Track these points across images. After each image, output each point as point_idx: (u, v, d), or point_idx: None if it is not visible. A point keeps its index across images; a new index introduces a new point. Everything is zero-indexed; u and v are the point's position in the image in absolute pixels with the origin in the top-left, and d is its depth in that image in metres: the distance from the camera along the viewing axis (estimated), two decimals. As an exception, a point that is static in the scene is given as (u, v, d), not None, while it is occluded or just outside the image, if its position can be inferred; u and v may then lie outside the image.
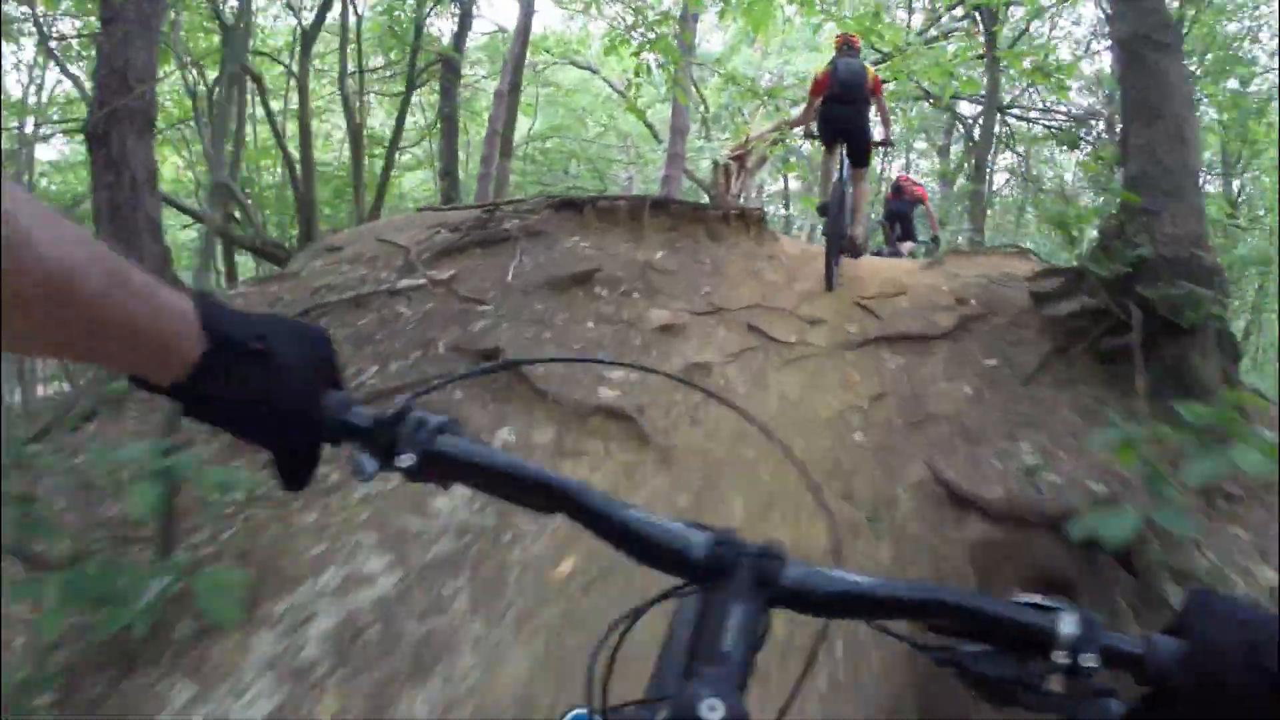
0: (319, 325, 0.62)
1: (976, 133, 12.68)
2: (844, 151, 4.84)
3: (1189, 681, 0.45)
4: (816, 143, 5.18)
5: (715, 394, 0.82)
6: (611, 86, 13.43)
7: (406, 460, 0.51)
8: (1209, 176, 13.04)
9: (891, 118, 5.65)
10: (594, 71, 12.70)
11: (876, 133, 5.21)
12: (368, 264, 4.95)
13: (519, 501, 0.54)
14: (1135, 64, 3.43)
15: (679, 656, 0.53)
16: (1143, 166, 3.24)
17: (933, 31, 11.34)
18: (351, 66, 9.52)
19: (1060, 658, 0.47)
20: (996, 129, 11.88)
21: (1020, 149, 14.13)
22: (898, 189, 8.87)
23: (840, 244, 4.69)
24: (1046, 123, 13.32)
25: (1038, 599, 0.49)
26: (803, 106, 5.84)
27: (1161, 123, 3.22)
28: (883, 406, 3.26)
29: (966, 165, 15.59)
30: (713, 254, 4.86)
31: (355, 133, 9.33)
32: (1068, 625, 0.47)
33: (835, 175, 4.85)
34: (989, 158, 13.14)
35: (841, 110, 4.77)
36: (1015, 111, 13.10)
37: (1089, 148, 11.85)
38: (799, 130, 6.04)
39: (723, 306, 4.10)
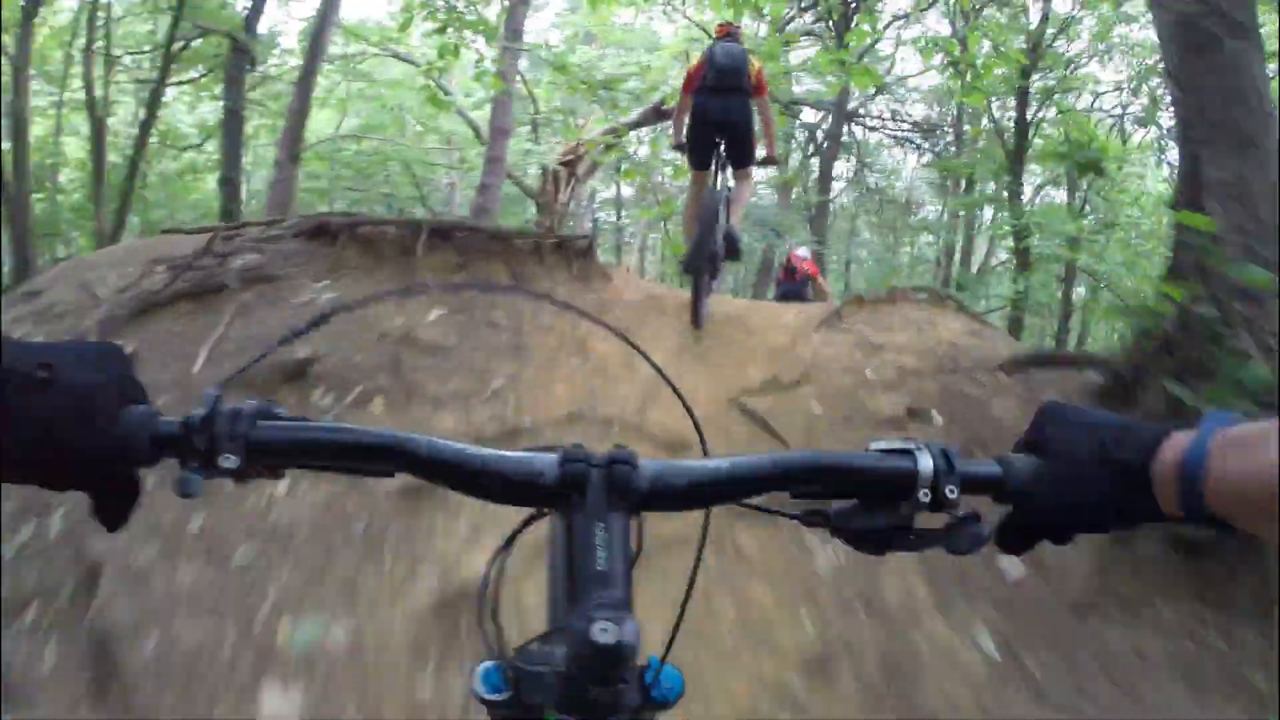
0: (109, 342, 0.50)
1: (818, 138, 12.72)
2: (722, 151, 3.94)
3: (1048, 490, 0.49)
4: (680, 161, 4.42)
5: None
6: (435, 83, 12.10)
7: (231, 461, 0.45)
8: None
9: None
10: (416, 64, 11.35)
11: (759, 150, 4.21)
12: (55, 321, 3.54)
13: (359, 471, 0.51)
14: (1201, 55, 2.45)
15: (561, 583, 0.50)
16: (1236, 219, 2.20)
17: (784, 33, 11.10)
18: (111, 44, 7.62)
19: (924, 495, 0.48)
20: (844, 136, 11.79)
21: (867, 158, 14.30)
22: (790, 270, 8.35)
23: (711, 271, 3.89)
24: (892, 131, 13.57)
25: (895, 443, 0.50)
26: (640, 111, 4.93)
27: (1253, 150, 2.28)
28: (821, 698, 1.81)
29: (803, 174, 15.77)
30: (515, 313, 3.39)
31: (98, 129, 7.46)
32: (925, 461, 0.49)
33: (708, 191, 4.01)
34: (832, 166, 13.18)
35: (720, 102, 3.90)
36: (863, 119, 13.19)
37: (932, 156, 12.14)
38: (670, 139, 4.81)
39: (518, 425, 2.68)
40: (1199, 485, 0.44)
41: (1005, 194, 11.44)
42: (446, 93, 12.37)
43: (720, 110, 3.91)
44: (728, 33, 4.22)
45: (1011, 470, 0.50)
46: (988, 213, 13.59)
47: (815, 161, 18.02)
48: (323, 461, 0.49)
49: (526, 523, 0.56)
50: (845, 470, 0.50)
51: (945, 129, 13.21)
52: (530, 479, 0.48)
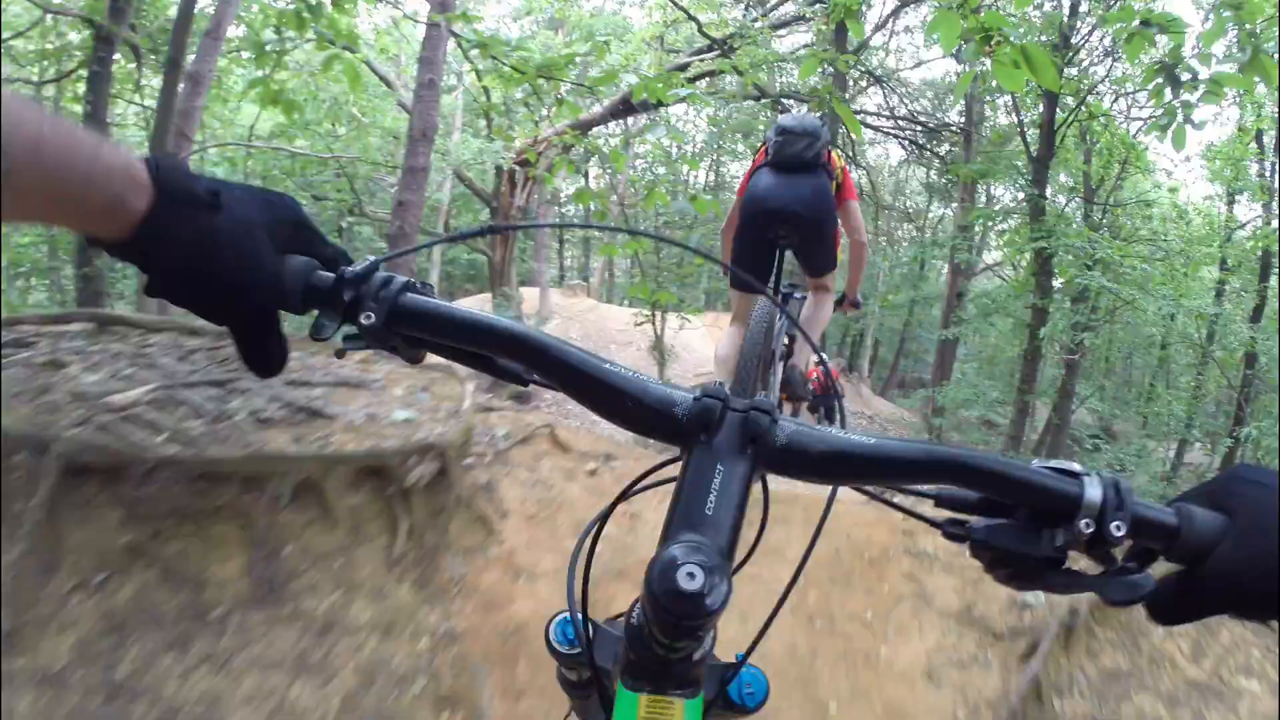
0: (282, 191, 0.50)
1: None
2: (781, 259, 2.58)
3: (1233, 553, 0.41)
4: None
5: None
6: (373, 70, 10.38)
7: (370, 318, 0.47)
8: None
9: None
10: (332, 42, 9.62)
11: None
12: None
13: (489, 368, 0.52)
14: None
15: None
16: None
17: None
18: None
19: (1085, 524, 0.42)
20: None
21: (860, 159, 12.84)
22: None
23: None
24: (893, 131, 12.10)
25: (1062, 463, 0.44)
26: (607, 105, 3.39)
27: None
28: None
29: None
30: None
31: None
32: (1093, 489, 0.42)
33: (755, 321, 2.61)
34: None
35: (787, 183, 2.52)
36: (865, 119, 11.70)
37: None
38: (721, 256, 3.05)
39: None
40: None
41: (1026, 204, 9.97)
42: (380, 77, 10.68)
43: (786, 194, 2.50)
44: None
45: (1192, 523, 0.42)
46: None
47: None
48: (456, 342, 0.49)
49: (645, 475, 0.54)
50: (1004, 478, 0.44)
51: (954, 128, 11.74)
52: (664, 407, 0.46)
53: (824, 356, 0.88)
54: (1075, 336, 9.13)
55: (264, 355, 0.48)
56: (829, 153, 2.59)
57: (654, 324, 10.44)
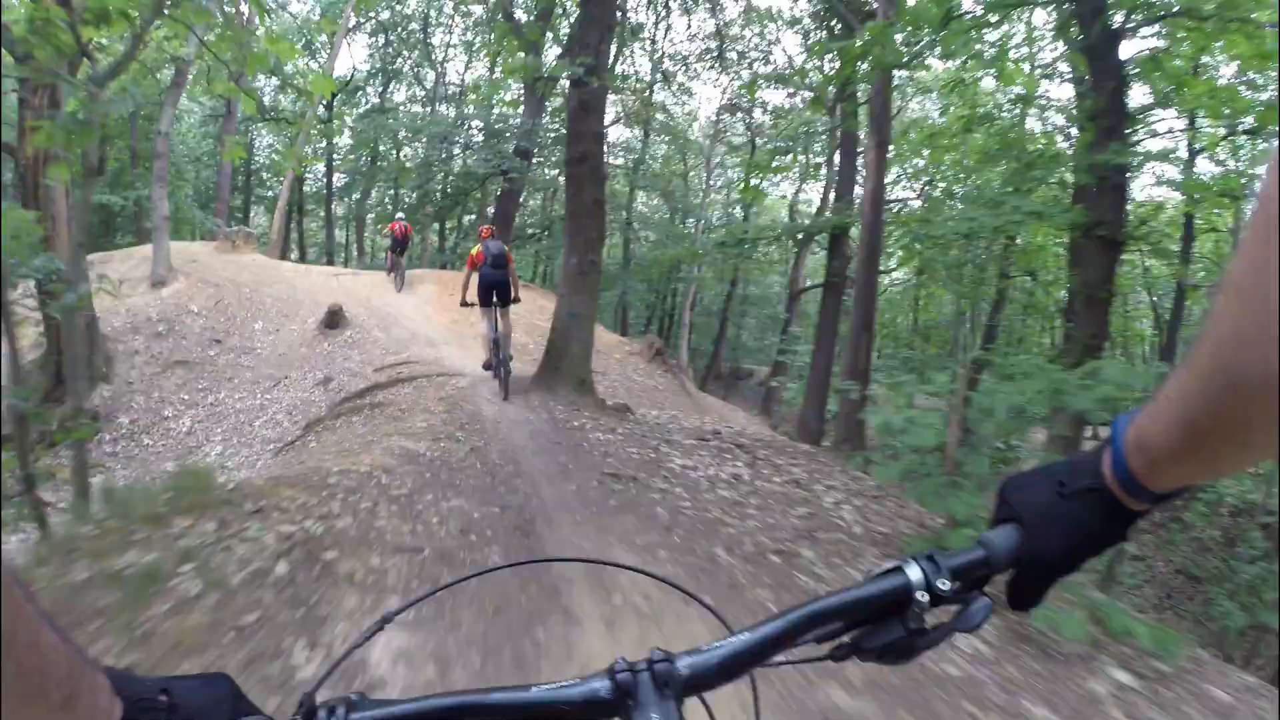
0: (219, 673, 0.57)
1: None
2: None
3: (1035, 546, 0.57)
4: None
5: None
6: None
7: None
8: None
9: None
10: None
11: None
12: None
13: None
14: None
15: None
16: None
17: None
18: None
19: (921, 596, 0.55)
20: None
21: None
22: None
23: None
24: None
25: (884, 566, 0.58)
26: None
27: None
28: None
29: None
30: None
31: None
32: (914, 571, 0.56)
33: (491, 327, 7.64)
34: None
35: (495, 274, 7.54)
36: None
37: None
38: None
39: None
40: (1130, 477, 0.53)
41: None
42: None
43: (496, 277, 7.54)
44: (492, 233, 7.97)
45: (993, 547, 0.58)
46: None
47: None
48: None
49: None
50: (846, 606, 0.57)
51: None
52: (591, 697, 0.54)
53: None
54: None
55: None
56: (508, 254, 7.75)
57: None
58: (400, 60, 27.21)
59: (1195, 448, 0.48)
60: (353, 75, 27.14)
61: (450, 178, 22.80)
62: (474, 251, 7.58)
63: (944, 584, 0.55)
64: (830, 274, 15.44)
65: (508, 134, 19.15)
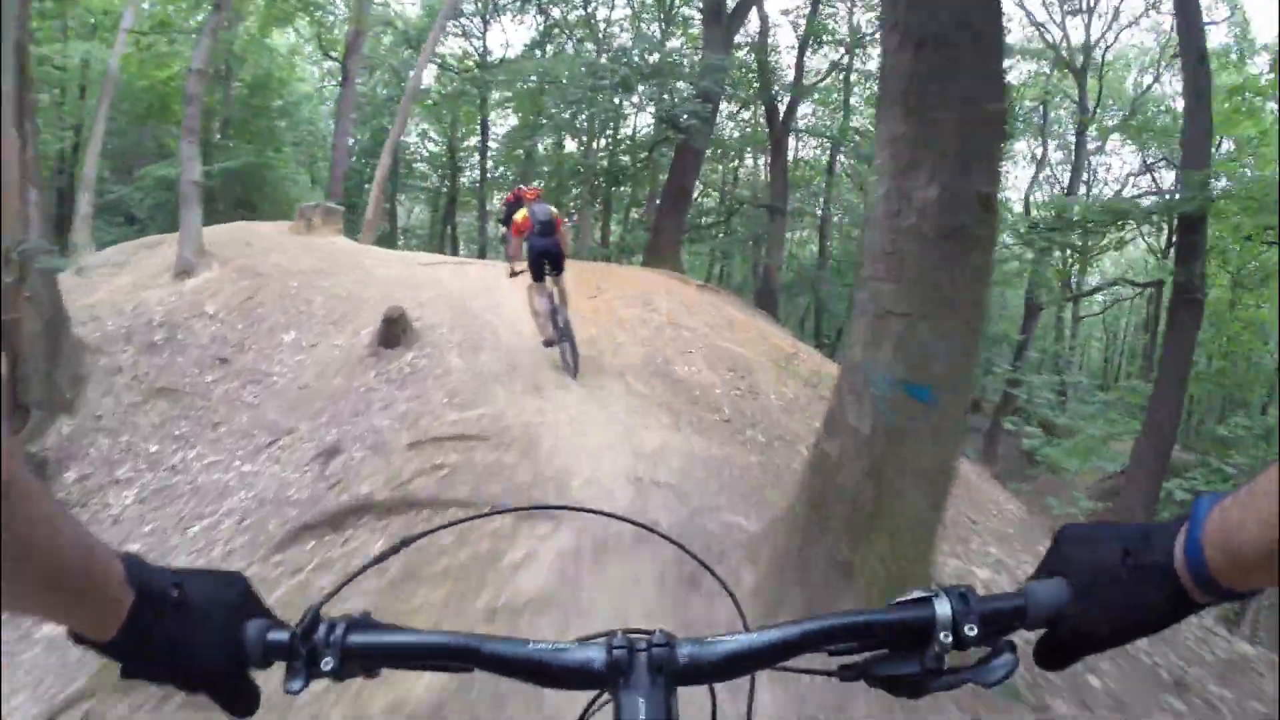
0: (233, 571, 0.60)
1: None
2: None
3: (1078, 610, 0.52)
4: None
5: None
6: None
7: (328, 664, 0.55)
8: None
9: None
10: None
11: None
12: None
13: (436, 668, 0.58)
14: None
15: None
16: None
17: None
18: None
19: (944, 636, 0.52)
20: None
21: None
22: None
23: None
24: None
25: (915, 593, 0.55)
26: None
27: None
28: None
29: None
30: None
31: None
32: (943, 607, 0.53)
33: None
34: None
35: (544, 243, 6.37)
36: None
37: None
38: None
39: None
40: (1204, 568, 0.47)
41: None
42: None
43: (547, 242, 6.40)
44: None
45: (1035, 599, 0.53)
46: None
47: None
48: (407, 663, 0.57)
49: (586, 709, 0.62)
50: (866, 627, 0.55)
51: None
52: (583, 666, 0.54)
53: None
54: None
55: (239, 703, 0.57)
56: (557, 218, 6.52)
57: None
58: (560, 33, 23.06)
59: None
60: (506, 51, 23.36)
61: (616, 143, 18.01)
62: (519, 218, 6.41)
63: (971, 630, 0.52)
64: (1184, 281, 9.31)
65: (682, 74, 13.93)
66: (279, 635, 0.56)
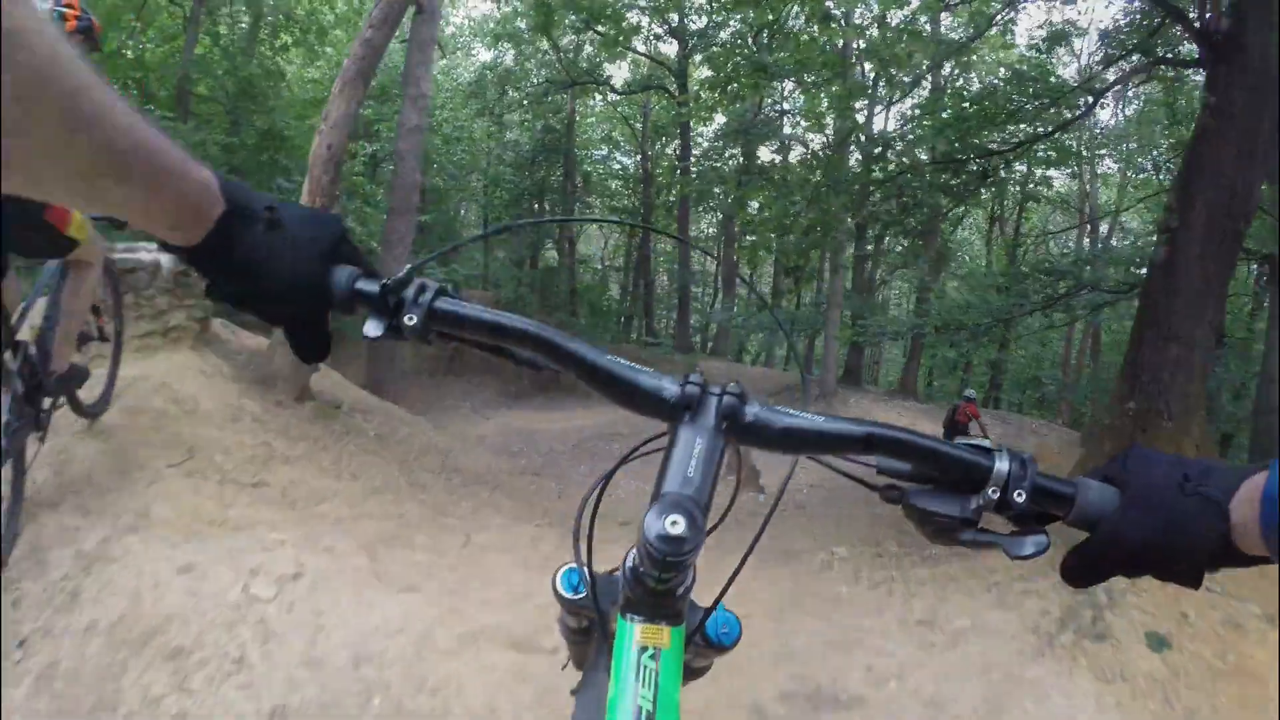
0: (331, 212, 0.82)
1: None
2: None
3: (1123, 519, 0.51)
4: None
5: None
6: None
7: (411, 319, 0.56)
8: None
9: None
10: None
11: None
12: None
13: (511, 355, 0.62)
14: None
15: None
16: None
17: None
18: None
19: (992, 491, 0.53)
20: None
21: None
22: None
23: None
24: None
25: (981, 441, 0.55)
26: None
27: None
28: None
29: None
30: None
31: None
32: (1001, 463, 0.53)
33: None
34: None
35: None
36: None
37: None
38: None
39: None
40: (1275, 519, 0.46)
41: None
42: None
43: None
44: None
45: (1086, 494, 0.53)
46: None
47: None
48: (484, 338, 0.59)
49: (641, 445, 0.68)
50: (929, 452, 0.54)
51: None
52: (654, 391, 0.56)
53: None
54: None
55: (312, 347, 0.58)
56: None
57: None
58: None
59: None
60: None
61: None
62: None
63: (1019, 495, 0.52)
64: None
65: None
66: (369, 285, 0.56)
